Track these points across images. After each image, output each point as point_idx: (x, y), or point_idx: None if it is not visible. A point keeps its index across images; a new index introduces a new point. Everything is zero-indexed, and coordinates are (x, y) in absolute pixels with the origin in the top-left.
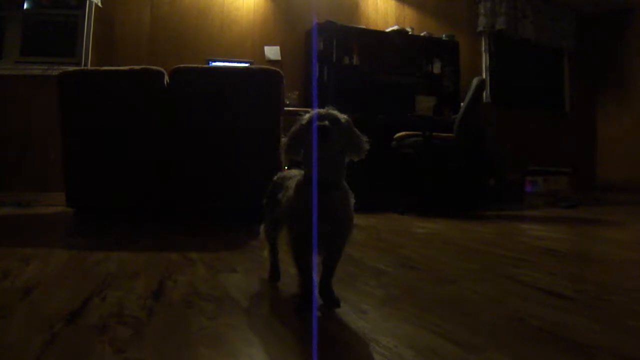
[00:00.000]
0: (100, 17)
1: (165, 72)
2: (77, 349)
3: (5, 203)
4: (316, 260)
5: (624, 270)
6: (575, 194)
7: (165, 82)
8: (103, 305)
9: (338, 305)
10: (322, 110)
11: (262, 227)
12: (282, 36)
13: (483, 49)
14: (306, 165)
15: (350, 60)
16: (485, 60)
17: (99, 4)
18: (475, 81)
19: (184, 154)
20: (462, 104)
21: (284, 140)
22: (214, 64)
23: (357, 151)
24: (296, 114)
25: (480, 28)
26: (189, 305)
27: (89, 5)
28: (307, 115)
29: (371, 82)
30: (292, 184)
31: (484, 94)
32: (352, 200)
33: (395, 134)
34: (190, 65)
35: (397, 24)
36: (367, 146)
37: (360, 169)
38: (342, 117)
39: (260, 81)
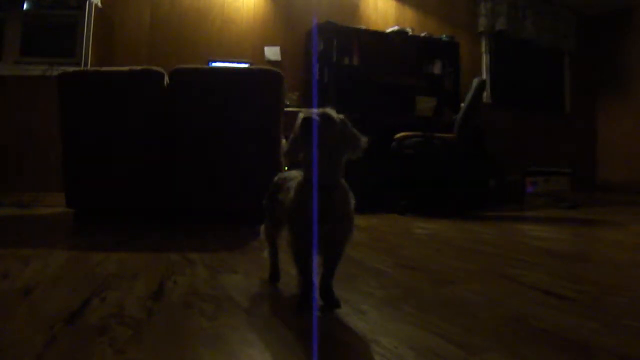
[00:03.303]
0: (100, 17)
1: (165, 72)
2: (77, 350)
3: (5, 203)
4: (316, 260)
5: (624, 270)
6: (575, 194)
7: (165, 83)
8: (103, 305)
9: (338, 306)
10: (316, 110)
11: (262, 228)
12: (282, 37)
13: (483, 49)
14: (305, 167)
15: (351, 60)
16: (485, 60)
17: (99, 5)
18: (475, 82)
19: (184, 154)
20: (462, 104)
21: (284, 143)
22: (214, 64)
23: (353, 149)
24: (296, 114)
25: (480, 29)
26: (188, 306)
27: (89, 5)
28: (301, 115)
29: (371, 82)
30: (293, 184)
31: (485, 94)
32: (353, 201)
33: (395, 134)
34: (190, 65)
35: (397, 24)
36: (364, 144)
37: (361, 169)
38: (336, 115)
39: (261, 82)
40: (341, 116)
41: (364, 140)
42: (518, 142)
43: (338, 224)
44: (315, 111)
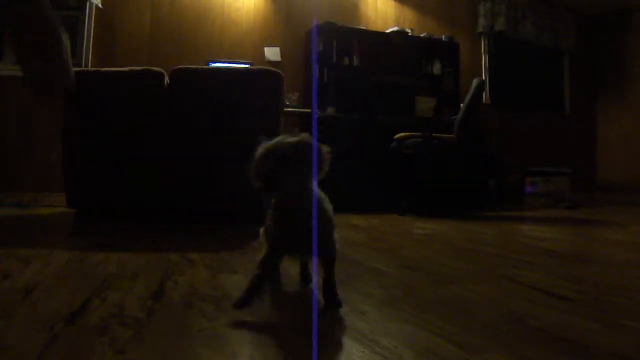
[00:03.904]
0: (100, 18)
1: (165, 73)
2: (77, 350)
3: (5, 203)
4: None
5: (624, 271)
6: (575, 194)
7: (166, 83)
8: (103, 305)
9: (340, 306)
10: (269, 145)
11: (261, 230)
12: (282, 37)
13: (483, 49)
14: (277, 194)
15: (350, 61)
16: (485, 61)
17: (99, 5)
18: (475, 82)
19: (184, 154)
20: (462, 104)
21: (251, 174)
22: (214, 65)
23: (320, 171)
24: (295, 115)
25: (480, 29)
26: (189, 305)
27: (89, 6)
28: (258, 152)
29: (371, 83)
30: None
31: (484, 94)
32: (329, 205)
33: (395, 134)
34: (190, 66)
35: (397, 24)
36: (327, 162)
37: (361, 169)
38: (292, 145)
39: (260, 82)
40: (300, 139)
41: (326, 152)
42: (518, 142)
43: (314, 234)
44: (268, 147)
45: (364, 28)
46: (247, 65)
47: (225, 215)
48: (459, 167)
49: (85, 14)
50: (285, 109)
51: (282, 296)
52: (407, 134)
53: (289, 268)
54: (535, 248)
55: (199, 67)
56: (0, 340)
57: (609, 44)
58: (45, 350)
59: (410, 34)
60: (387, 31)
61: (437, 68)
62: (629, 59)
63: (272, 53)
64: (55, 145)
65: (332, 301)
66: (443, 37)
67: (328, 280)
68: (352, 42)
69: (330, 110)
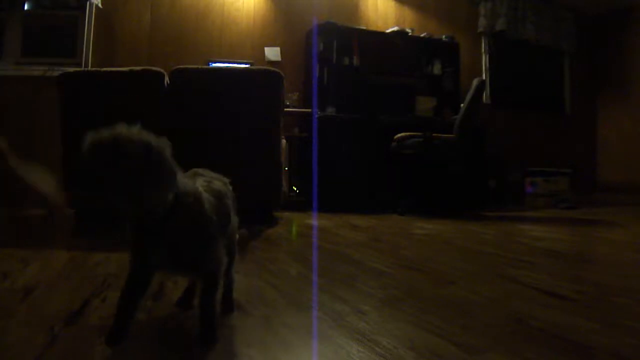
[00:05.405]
0: (100, 17)
1: (165, 73)
2: (77, 350)
3: (5, 203)
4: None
5: (624, 271)
6: (575, 194)
7: (166, 83)
8: (103, 306)
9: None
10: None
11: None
12: (282, 37)
13: (483, 49)
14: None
15: (351, 61)
16: (485, 61)
17: (100, 5)
18: (475, 82)
19: (183, 154)
20: (462, 104)
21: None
22: (214, 64)
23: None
24: (296, 114)
25: (480, 29)
26: (188, 306)
27: (90, 6)
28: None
29: (371, 83)
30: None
31: (484, 94)
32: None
33: (395, 135)
34: (191, 66)
35: (397, 24)
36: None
37: (361, 170)
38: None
39: (261, 82)
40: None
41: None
42: (518, 142)
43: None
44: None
45: (364, 28)
46: (247, 65)
47: None
48: (459, 167)
49: (85, 14)
50: (285, 109)
51: (282, 296)
52: (407, 134)
53: (289, 268)
54: (535, 248)
55: (199, 67)
56: (1, 340)
57: (609, 44)
58: (45, 350)
59: (410, 34)
60: (387, 31)
61: (437, 68)
62: (630, 59)
63: (272, 53)
64: (55, 145)
65: (205, 336)
66: (443, 37)
67: (204, 306)
68: (352, 42)
69: (330, 110)
